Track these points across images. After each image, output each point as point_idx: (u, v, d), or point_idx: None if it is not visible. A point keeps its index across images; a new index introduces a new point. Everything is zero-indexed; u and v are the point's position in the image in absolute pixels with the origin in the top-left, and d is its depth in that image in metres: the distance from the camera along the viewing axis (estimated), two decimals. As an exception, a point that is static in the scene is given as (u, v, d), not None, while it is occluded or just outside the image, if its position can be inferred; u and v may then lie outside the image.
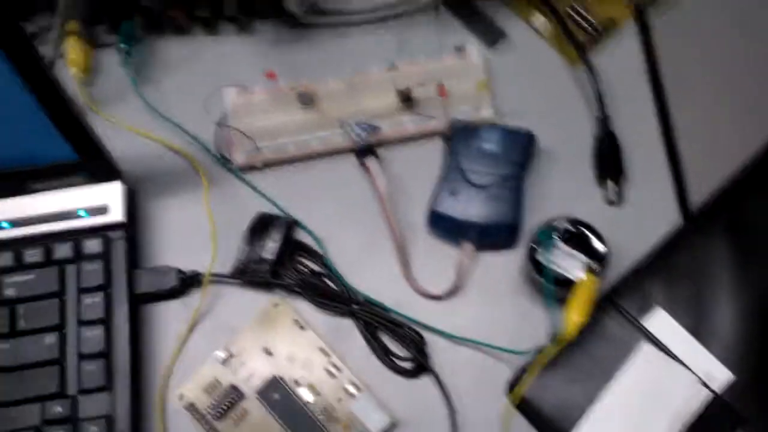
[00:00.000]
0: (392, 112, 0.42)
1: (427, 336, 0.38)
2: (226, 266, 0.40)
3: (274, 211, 0.41)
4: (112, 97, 0.44)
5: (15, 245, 0.39)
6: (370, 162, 0.41)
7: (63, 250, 0.39)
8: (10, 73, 0.33)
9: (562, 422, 0.35)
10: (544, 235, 0.37)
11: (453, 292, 0.39)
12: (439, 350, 0.38)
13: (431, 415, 0.37)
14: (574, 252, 0.36)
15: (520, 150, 0.40)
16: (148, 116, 0.43)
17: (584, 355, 0.36)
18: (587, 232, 0.37)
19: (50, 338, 0.38)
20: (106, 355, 0.37)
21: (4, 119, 0.36)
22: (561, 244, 0.37)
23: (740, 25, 0.43)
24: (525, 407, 0.36)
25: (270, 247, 0.39)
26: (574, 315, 0.34)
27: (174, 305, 0.40)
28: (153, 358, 0.39)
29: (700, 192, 0.40)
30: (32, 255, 0.39)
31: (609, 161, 0.40)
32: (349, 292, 0.39)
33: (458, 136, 0.40)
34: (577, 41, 0.42)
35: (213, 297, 0.40)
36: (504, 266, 0.40)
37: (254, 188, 0.42)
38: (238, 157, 0.42)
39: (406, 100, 0.42)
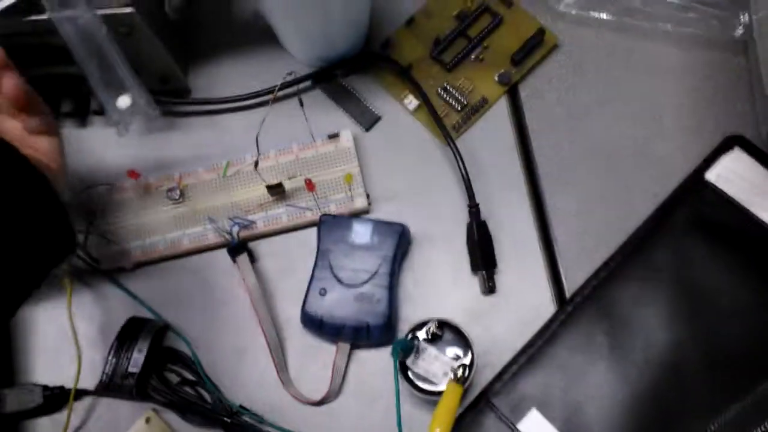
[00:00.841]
0: (266, 204, 0.41)
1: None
2: (96, 377, 0.39)
3: (146, 314, 0.40)
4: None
5: None
6: (241, 260, 0.40)
7: None
8: None
9: None
10: (401, 345, 0.36)
11: (330, 396, 0.38)
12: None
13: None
14: (441, 356, 0.36)
15: (392, 243, 0.39)
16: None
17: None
18: (455, 335, 0.36)
19: None
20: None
21: None
22: (429, 349, 0.36)
23: (611, 97, 0.43)
24: None
25: (135, 359, 0.38)
26: (435, 425, 0.34)
27: (44, 422, 0.39)
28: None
29: (575, 275, 0.39)
30: None
31: (480, 251, 0.39)
32: (222, 402, 0.38)
33: (327, 231, 0.39)
34: (443, 123, 0.41)
35: (85, 411, 0.39)
36: (382, 363, 0.39)
37: (125, 290, 0.40)
38: (105, 260, 0.41)
39: (277, 193, 0.41)
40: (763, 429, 0.34)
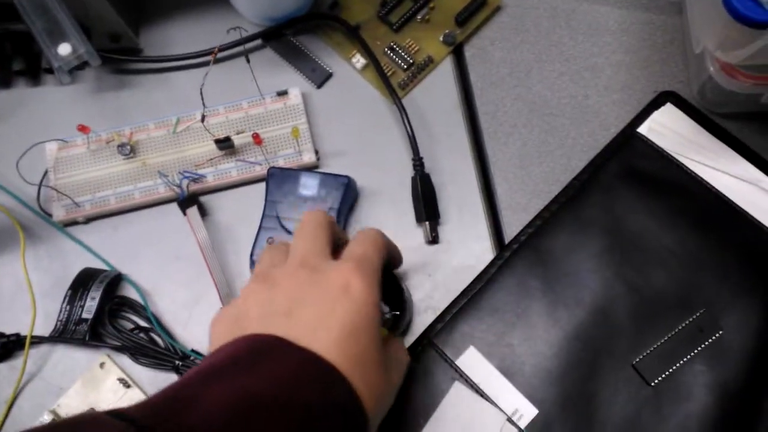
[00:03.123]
0: (215, 159, 0.42)
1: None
2: (50, 325, 0.40)
3: (100, 265, 0.41)
4: (-73, 156, 0.43)
5: None
6: (191, 213, 0.41)
7: None
8: None
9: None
10: None
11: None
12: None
13: None
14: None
15: (338, 195, 0.40)
16: (-33, 174, 0.42)
17: (404, 393, 0.37)
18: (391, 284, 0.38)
19: None
20: None
21: None
22: None
23: (552, 56, 0.45)
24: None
25: (89, 306, 0.39)
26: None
27: (1, 368, 0.40)
28: (-25, 425, 0.38)
29: (514, 227, 0.41)
30: None
31: (424, 203, 0.41)
32: (174, 348, 0.39)
33: (275, 184, 0.41)
34: (389, 81, 0.43)
35: (40, 358, 0.40)
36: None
37: (78, 242, 0.41)
38: (58, 213, 0.42)
39: (226, 147, 0.42)
40: (685, 360, 0.36)
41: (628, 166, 0.41)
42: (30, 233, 0.42)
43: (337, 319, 0.30)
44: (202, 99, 0.40)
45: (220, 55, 0.44)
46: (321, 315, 0.30)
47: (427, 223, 0.41)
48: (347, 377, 0.29)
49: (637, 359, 0.37)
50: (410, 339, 0.39)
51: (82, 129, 0.41)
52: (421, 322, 0.40)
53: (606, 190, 0.41)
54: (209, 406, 0.25)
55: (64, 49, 0.33)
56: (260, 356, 0.28)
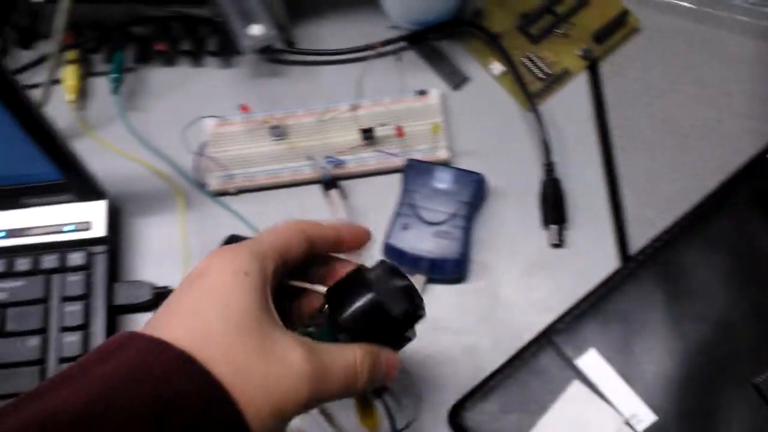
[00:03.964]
0: (356, 147, 0.46)
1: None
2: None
3: (245, 233, 0.45)
4: (102, 122, 0.48)
5: (7, 254, 0.43)
6: (333, 194, 0.44)
7: (50, 261, 0.43)
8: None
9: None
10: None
11: (401, 318, 0.43)
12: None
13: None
14: None
15: (470, 191, 0.43)
16: (134, 141, 0.47)
17: (520, 388, 0.39)
18: None
19: (34, 341, 0.42)
20: (81, 360, 0.41)
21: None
22: None
23: (687, 80, 0.46)
24: None
25: (235, 269, 0.43)
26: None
27: (147, 317, 0.44)
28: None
29: (639, 239, 0.42)
30: (22, 264, 0.43)
31: (553, 206, 0.43)
32: (305, 314, 0.42)
33: (412, 174, 0.43)
34: (527, 89, 0.45)
35: (183, 311, 0.44)
36: (451, 299, 0.43)
37: (228, 209, 0.45)
38: (213, 183, 0.46)
39: (369, 137, 0.45)
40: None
41: (759, 192, 0.42)
42: (187, 199, 0.46)
43: (189, 302, 0.27)
44: (357, 91, 0.43)
45: (366, 53, 0.48)
46: (174, 302, 0.27)
47: (554, 226, 0.43)
48: (198, 359, 0.24)
49: (760, 379, 0.37)
50: (526, 337, 0.41)
51: (244, 108, 0.45)
52: (538, 322, 0.41)
53: (737, 213, 0.41)
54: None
55: (257, 29, 0.37)
56: (108, 353, 0.25)
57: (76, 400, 0.23)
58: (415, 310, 0.31)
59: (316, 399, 0.27)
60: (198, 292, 0.27)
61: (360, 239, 0.34)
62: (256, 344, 0.26)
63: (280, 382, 0.26)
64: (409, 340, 0.33)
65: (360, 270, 0.31)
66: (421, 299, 0.31)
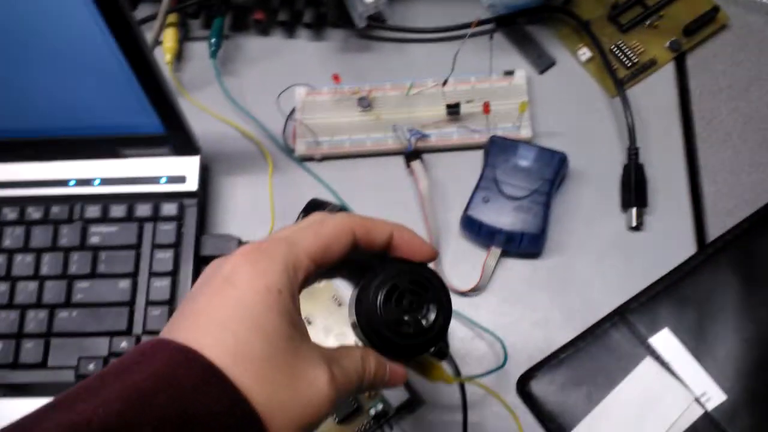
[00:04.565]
0: (440, 122, 0.47)
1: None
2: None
3: (327, 197, 0.47)
4: (196, 84, 0.50)
5: (103, 200, 0.46)
6: (416, 165, 0.46)
7: (143, 210, 0.45)
8: (117, 53, 0.39)
9: (564, 419, 0.39)
10: None
11: (476, 289, 0.44)
12: (457, 340, 0.43)
13: (445, 396, 0.41)
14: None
15: (552, 169, 0.43)
16: (227, 104, 0.49)
17: (591, 362, 0.40)
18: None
19: (124, 283, 0.44)
20: (170, 303, 0.43)
21: (109, 95, 0.42)
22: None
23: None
24: (531, 401, 0.40)
25: (319, 229, 0.44)
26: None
27: (230, 270, 0.46)
28: (207, 312, 0.44)
29: (717, 229, 0.43)
30: (117, 210, 0.46)
31: (634, 190, 0.43)
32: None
33: (496, 150, 0.45)
34: (616, 75, 0.46)
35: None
36: (525, 273, 0.44)
37: (313, 174, 0.47)
38: (300, 148, 0.47)
39: (454, 113, 0.46)
40: None
41: None
42: (273, 162, 0.48)
43: (217, 312, 0.25)
44: (444, 69, 0.44)
45: (453, 33, 0.49)
46: (200, 309, 0.26)
47: (634, 209, 0.43)
48: (228, 374, 0.24)
49: (838, 371, 0.37)
50: (598, 315, 0.42)
51: (336, 78, 0.47)
52: (610, 301, 0.42)
53: (822, 207, 0.41)
54: None
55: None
56: (130, 364, 0.24)
57: (102, 414, 0.22)
58: (438, 348, 0.30)
59: (333, 408, 0.27)
60: (227, 302, 0.25)
61: (422, 254, 0.30)
62: (285, 364, 0.25)
63: (309, 402, 0.26)
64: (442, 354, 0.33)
65: (396, 285, 0.29)
66: (446, 336, 0.31)
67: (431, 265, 0.30)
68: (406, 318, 0.29)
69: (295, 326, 0.26)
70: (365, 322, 0.29)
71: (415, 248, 0.30)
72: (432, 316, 0.29)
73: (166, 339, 0.25)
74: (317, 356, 0.27)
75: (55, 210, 0.46)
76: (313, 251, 0.27)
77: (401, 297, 0.29)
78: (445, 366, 0.41)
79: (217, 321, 0.25)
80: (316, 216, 0.29)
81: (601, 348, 0.40)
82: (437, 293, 0.29)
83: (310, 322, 0.43)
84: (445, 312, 0.29)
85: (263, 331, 0.25)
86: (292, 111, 0.48)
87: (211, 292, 0.26)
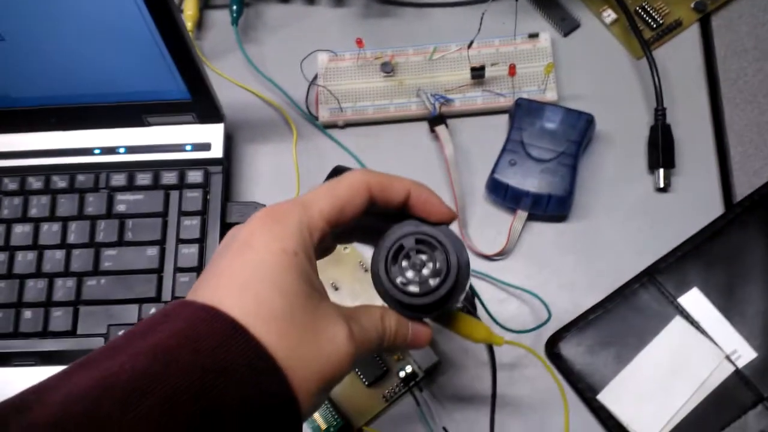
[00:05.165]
0: (464, 87, 0.47)
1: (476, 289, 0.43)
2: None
3: (351, 164, 0.47)
4: (219, 52, 0.50)
5: (129, 168, 0.46)
6: (440, 130, 0.46)
7: (169, 177, 0.46)
8: (145, 16, 0.38)
9: (593, 379, 0.40)
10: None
11: (503, 253, 0.44)
12: (486, 302, 0.43)
13: (473, 358, 0.42)
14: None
15: (579, 130, 0.43)
16: (249, 71, 0.49)
17: (620, 322, 0.40)
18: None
19: (152, 251, 0.44)
20: (198, 270, 0.44)
21: (136, 60, 0.42)
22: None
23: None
24: (560, 362, 0.40)
25: (345, 194, 0.44)
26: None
27: (256, 236, 0.46)
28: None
29: (744, 188, 0.43)
30: (143, 178, 0.46)
31: (662, 150, 0.43)
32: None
33: (522, 113, 0.44)
34: (642, 36, 0.45)
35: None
36: (551, 236, 0.44)
37: (336, 141, 0.47)
38: (323, 114, 0.47)
39: (479, 76, 0.46)
40: None
41: None
42: (297, 130, 0.48)
43: (237, 274, 0.26)
44: (467, 33, 0.44)
45: (475, -3, 0.49)
46: (222, 271, 0.26)
47: (661, 170, 0.43)
48: (250, 330, 0.24)
49: None
50: (625, 276, 0.42)
51: (359, 42, 0.46)
52: (637, 263, 0.42)
53: None
54: (62, 398, 0.22)
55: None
56: (154, 324, 0.25)
57: (129, 368, 0.23)
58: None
59: (353, 365, 0.27)
60: (246, 264, 0.26)
61: (439, 215, 0.30)
62: (305, 321, 0.26)
63: (329, 358, 0.26)
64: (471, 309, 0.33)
65: (402, 245, 0.29)
66: (465, 296, 0.30)
67: (456, 230, 0.30)
68: (410, 277, 0.29)
69: (313, 286, 0.27)
70: (376, 282, 0.29)
71: (431, 208, 0.30)
72: (441, 276, 0.28)
73: (190, 299, 0.26)
74: (336, 314, 0.27)
75: (81, 179, 0.46)
76: (327, 212, 0.28)
77: (408, 257, 0.29)
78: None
79: (238, 282, 0.25)
80: (333, 179, 0.29)
81: (630, 308, 0.41)
82: (446, 252, 0.29)
83: (337, 288, 0.44)
84: (456, 271, 0.29)
85: (282, 290, 0.25)
86: (315, 77, 0.48)
87: (231, 255, 0.26)
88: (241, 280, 0.25)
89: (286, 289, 0.26)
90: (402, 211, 0.30)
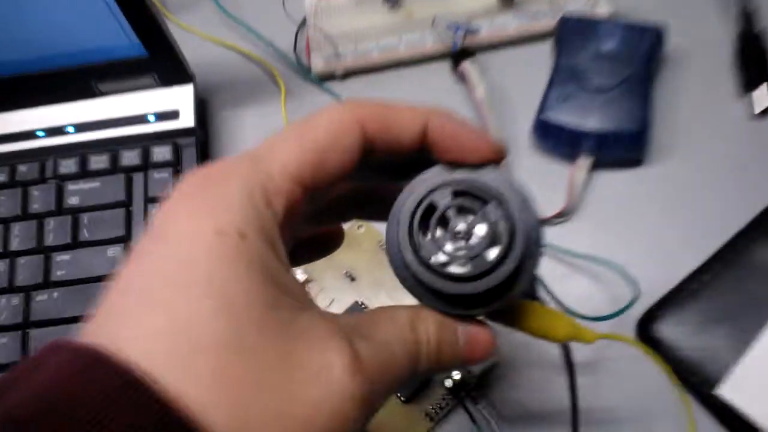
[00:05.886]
0: (491, 11, 0.37)
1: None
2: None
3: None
4: (184, 2, 0.41)
5: (80, 151, 0.37)
6: (467, 66, 0.36)
7: (130, 157, 0.36)
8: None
9: (707, 368, 0.29)
10: None
11: (564, 214, 0.34)
12: (546, 281, 0.33)
13: (539, 354, 0.32)
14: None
15: (646, 47, 0.34)
16: (222, 22, 0.40)
17: (732, 290, 0.30)
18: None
19: (114, 251, 0.35)
20: (173, 269, 0.35)
21: (74, 7, 0.33)
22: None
23: None
24: (661, 348, 0.30)
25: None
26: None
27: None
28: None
29: None
30: (98, 161, 0.36)
31: (756, 65, 0.34)
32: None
33: (570, 34, 0.35)
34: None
35: (288, 215, 0.37)
36: (625, 186, 0.34)
37: (336, 96, 0.38)
38: (317, 64, 0.38)
39: (509, -4, 0.37)
40: None
41: None
42: (286, 85, 0.39)
43: (135, 284, 0.16)
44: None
45: None
46: (119, 288, 0.17)
47: (757, 91, 0.33)
48: (155, 382, 0.14)
49: None
50: (728, 231, 0.31)
51: (355, -32, 0.37)
52: (741, 211, 0.32)
53: None
54: None
55: None
56: (16, 378, 0.15)
57: None
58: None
59: (370, 413, 0.17)
60: (155, 266, 0.16)
61: (479, 151, 0.19)
62: (265, 354, 0.15)
63: (317, 412, 0.15)
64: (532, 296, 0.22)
65: (432, 204, 0.19)
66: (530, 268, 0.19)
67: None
68: (450, 252, 0.18)
69: (280, 287, 0.16)
70: (397, 268, 0.19)
71: (465, 142, 0.19)
72: (503, 244, 0.18)
73: (65, 340, 0.15)
74: (327, 330, 0.17)
75: (23, 169, 0.37)
76: (294, 167, 0.17)
77: (444, 221, 0.19)
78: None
79: (142, 298, 0.16)
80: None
81: (744, 271, 0.30)
82: (506, 207, 0.18)
83: (354, 279, 0.34)
84: (525, 235, 0.18)
85: (220, 302, 0.15)
86: (303, 20, 0.39)
87: (135, 255, 0.17)
88: (147, 296, 0.16)
89: (227, 299, 0.15)
90: (421, 157, 0.19)
